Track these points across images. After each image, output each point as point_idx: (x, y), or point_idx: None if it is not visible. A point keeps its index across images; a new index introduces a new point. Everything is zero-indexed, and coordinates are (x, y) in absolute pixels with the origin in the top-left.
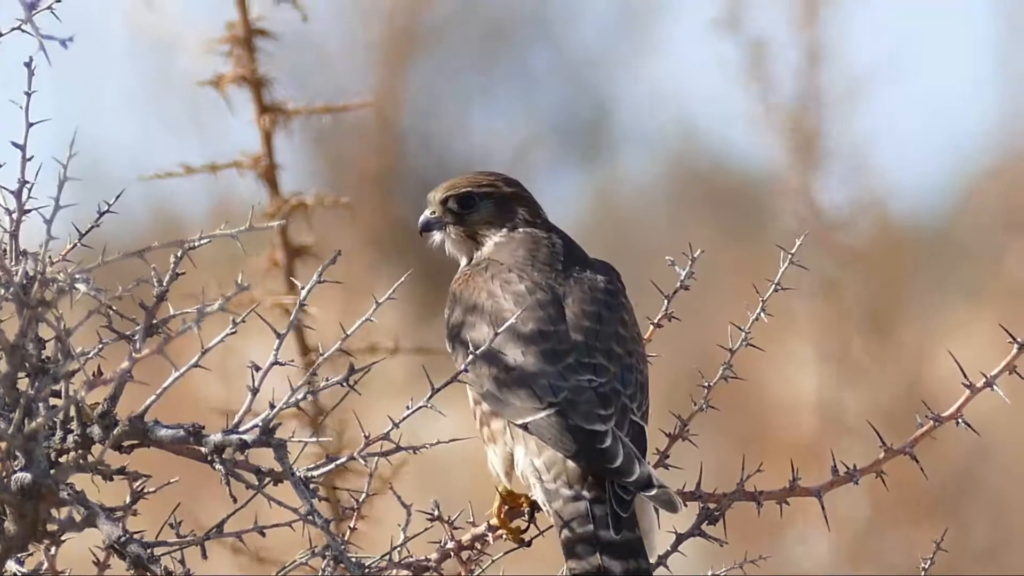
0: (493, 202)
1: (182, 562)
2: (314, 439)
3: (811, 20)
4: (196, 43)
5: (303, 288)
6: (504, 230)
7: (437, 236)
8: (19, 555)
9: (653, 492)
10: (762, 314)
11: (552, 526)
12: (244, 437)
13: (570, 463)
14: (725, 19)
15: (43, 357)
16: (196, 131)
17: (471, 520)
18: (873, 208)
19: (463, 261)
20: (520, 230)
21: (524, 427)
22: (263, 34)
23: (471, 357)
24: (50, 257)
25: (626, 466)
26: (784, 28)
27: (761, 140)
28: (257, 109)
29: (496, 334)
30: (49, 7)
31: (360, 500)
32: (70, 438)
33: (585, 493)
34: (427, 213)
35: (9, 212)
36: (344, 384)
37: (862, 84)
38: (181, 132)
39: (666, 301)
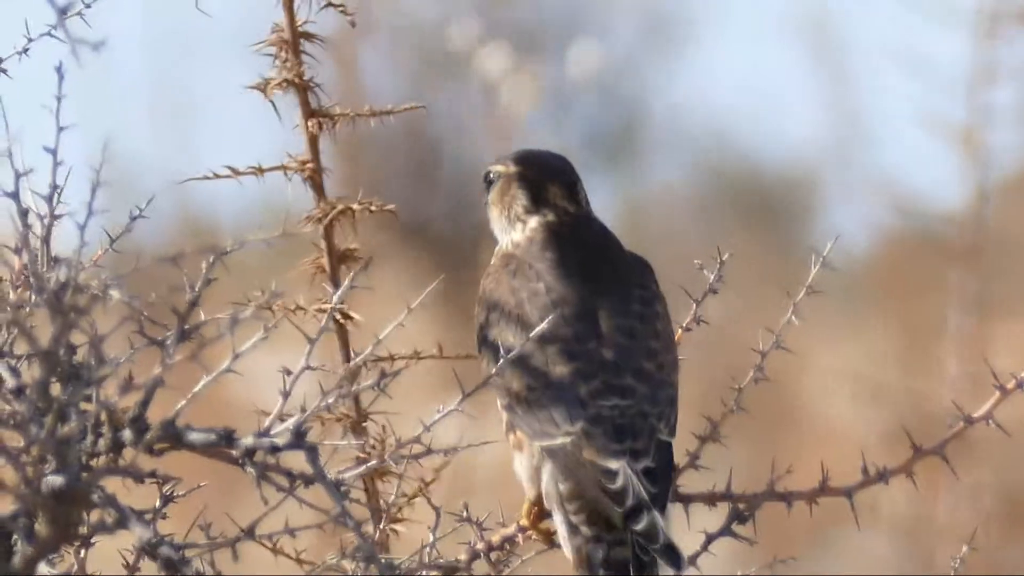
0: (498, 185)
1: (212, 564)
2: (344, 443)
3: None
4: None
5: (334, 294)
6: (536, 216)
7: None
8: (50, 557)
9: (657, 546)
10: (793, 317)
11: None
12: (275, 441)
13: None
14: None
15: (75, 363)
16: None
17: (501, 521)
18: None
19: (500, 240)
20: (541, 220)
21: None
22: (310, 37)
23: (496, 367)
24: (82, 263)
25: (633, 514)
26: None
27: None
28: (303, 113)
29: (510, 354)
30: (79, 13)
31: (390, 503)
32: (102, 442)
33: (605, 535)
34: (496, 168)
35: (41, 217)
36: (376, 388)
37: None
38: (209, 136)
39: (695, 304)
